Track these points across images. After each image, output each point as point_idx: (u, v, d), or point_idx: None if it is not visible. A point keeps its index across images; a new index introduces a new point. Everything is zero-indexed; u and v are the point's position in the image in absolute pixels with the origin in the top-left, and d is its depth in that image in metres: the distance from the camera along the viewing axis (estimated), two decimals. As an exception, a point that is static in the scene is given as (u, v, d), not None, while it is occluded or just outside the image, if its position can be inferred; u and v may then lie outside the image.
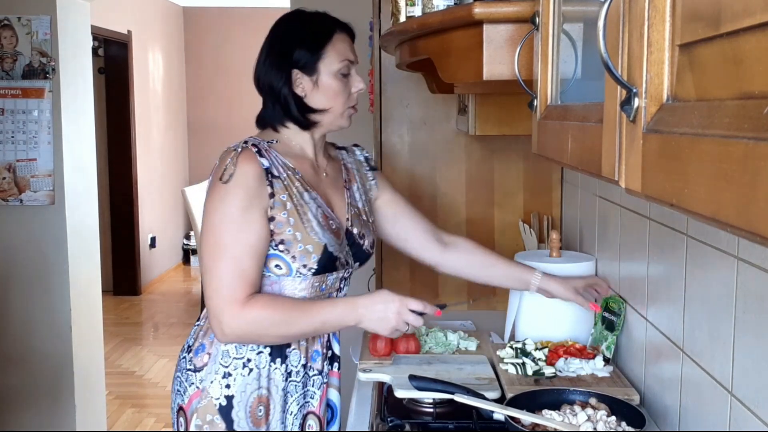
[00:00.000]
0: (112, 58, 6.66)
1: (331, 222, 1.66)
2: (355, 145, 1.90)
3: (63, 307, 3.59)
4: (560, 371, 1.76)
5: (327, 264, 1.63)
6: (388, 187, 1.89)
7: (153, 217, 7.29)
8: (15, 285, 3.57)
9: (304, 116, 1.66)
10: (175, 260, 8.05)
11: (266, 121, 1.71)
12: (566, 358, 1.79)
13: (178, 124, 8.25)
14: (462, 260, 1.91)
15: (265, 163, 1.58)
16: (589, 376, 1.73)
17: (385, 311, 1.58)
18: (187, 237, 8.16)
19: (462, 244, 1.93)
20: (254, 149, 1.59)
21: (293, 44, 1.63)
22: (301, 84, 1.64)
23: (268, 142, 1.65)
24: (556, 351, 1.84)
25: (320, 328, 1.62)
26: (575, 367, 1.76)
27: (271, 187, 1.58)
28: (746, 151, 0.45)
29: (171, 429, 1.77)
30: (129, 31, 6.63)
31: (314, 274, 1.62)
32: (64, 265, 3.57)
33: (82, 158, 3.76)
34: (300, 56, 1.62)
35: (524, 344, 1.88)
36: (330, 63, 1.63)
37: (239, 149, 1.57)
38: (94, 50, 6.07)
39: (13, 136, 3.49)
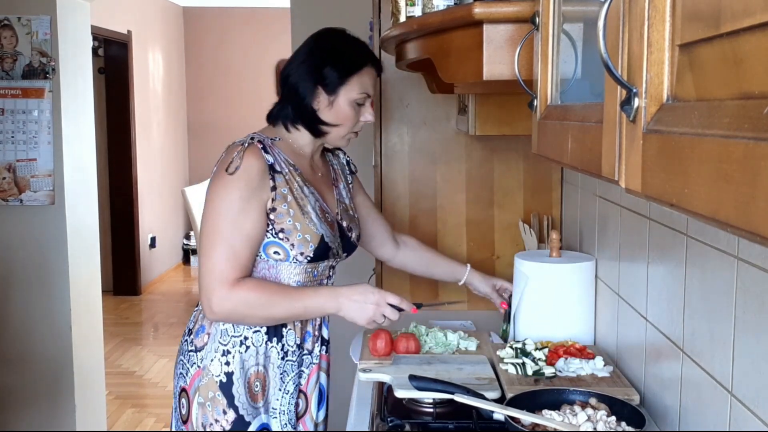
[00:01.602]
0: (112, 58, 6.66)
1: (327, 215, 1.80)
2: (339, 149, 2.01)
3: (63, 307, 3.59)
4: (560, 371, 1.76)
5: (322, 252, 1.76)
6: (360, 190, 2.06)
7: (153, 217, 7.29)
8: (15, 285, 3.57)
9: (315, 125, 1.78)
10: (175, 260, 8.06)
11: (279, 118, 1.81)
12: (566, 358, 1.79)
13: (178, 124, 8.25)
14: (410, 257, 2.16)
15: (270, 159, 1.70)
16: (589, 376, 1.73)
17: (364, 302, 1.70)
18: (187, 237, 8.16)
19: (411, 243, 2.17)
20: (260, 145, 1.70)
21: (326, 62, 1.74)
22: (318, 99, 1.75)
23: (271, 139, 1.76)
24: (556, 351, 1.84)
25: (302, 313, 1.73)
26: (575, 367, 1.76)
27: (273, 181, 1.69)
28: (746, 151, 0.45)
29: (171, 429, 1.79)
30: (129, 31, 6.63)
31: (309, 261, 1.74)
32: (64, 265, 3.57)
33: (82, 158, 3.76)
34: (328, 75, 1.74)
35: (524, 344, 1.88)
36: (350, 91, 1.75)
37: (246, 144, 1.69)
38: (94, 50, 6.07)
39: (13, 136, 3.50)
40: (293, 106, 1.77)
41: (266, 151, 1.70)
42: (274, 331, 1.75)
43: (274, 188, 1.69)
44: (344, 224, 1.86)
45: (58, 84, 3.50)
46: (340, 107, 1.76)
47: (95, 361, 3.92)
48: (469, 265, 2.17)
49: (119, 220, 6.80)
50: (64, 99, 3.54)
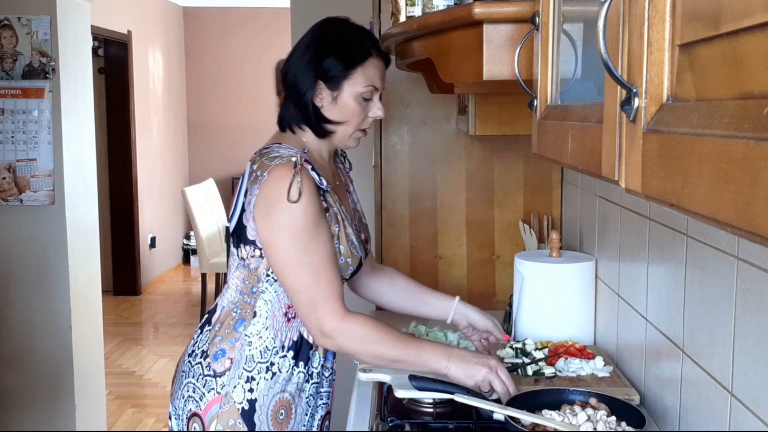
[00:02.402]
0: (112, 58, 6.66)
1: (359, 233, 1.73)
2: None
3: (63, 307, 3.59)
4: (560, 371, 1.75)
5: (355, 273, 1.71)
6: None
7: (153, 217, 7.30)
8: (15, 285, 3.57)
9: (319, 125, 1.66)
10: (175, 260, 8.06)
11: (285, 120, 1.70)
12: (566, 358, 1.79)
13: (178, 124, 8.25)
14: (386, 285, 1.94)
15: (323, 181, 1.60)
16: (589, 376, 1.73)
17: (477, 363, 1.57)
18: (187, 237, 8.16)
19: (390, 271, 1.97)
20: (308, 165, 1.58)
21: (326, 55, 1.62)
22: (321, 95, 1.64)
23: (303, 151, 1.63)
24: (556, 351, 1.84)
25: (413, 361, 1.61)
26: (575, 367, 1.76)
27: (325, 201, 1.61)
28: (746, 151, 0.45)
29: (171, 429, 1.76)
30: (129, 31, 6.63)
31: (341, 282, 1.67)
32: (64, 265, 3.57)
33: (82, 158, 3.76)
34: (328, 70, 1.62)
35: (524, 344, 1.88)
36: (354, 84, 1.63)
37: (297, 166, 1.55)
38: (94, 50, 6.07)
39: (13, 136, 3.50)
40: (294, 104, 1.66)
41: (314, 170, 1.59)
42: (302, 355, 1.67)
43: (327, 209, 1.61)
44: (363, 236, 1.78)
45: (58, 84, 3.50)
46: (346, 103, 1.63)
47: (95, 361, 3.92)
48: (458, 297, 1.92)
49: (119, 220, 6.80)
50: (64, 99, 3.53)
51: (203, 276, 5.99)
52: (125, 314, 6.38)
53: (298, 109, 1.66)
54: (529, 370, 1.75)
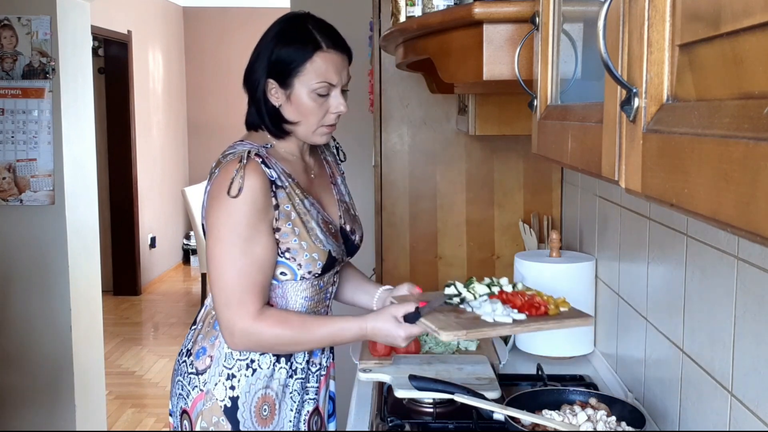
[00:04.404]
0: (112, 58, 6.66)
1: (330, 226, 1.68)
2: None
3: (63, 307, 3.59)
4: (471, 307, 1.52)
5: (329, 266, 1.65)
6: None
7: (153, 217, 7.30)
8: (15, 285, 3.57)
9: (275, 125, 1.63)
10: (175, 260, 8.06)
11: (250, 123, 1.68)
12: (489, 300, 1.52)
13: (178, 124, 8.25)
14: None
15: (272, 174, 1.56)
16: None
17: (393, 338, 1.55)
18: (187, 237, 8.16)
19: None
20: (258, 159, 1.55)
21: (274, 53, 1.60)
22: (276, 94, 1.61)
23: (264, 147, 1.61)
24: (507, 296, 1.55)
25: (330, 343, 1.65)
26: (479, 307, 1.50)
27: (276, 198, 1.56)
28: (746, 151, 0.45)
29: (171, 429, 1.77)
30: (129, 31, 6.63)
31: (316, 277, 1.64)
32: (64, 265, 3.57)
33: (82, 158, 3.76)
34: (277, 67, 1.59)
35: (492, 282, 1.61)
36: (306, 81, 1.58)
37: (244, 160, 1.52)
38: (94, 50, 6.07)
39: (13, 136, 3.49)
40: (250, 102, 1.64)
41: (266, 165, 1.55)
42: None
43: (276, 206, 1.56)
44: (347, 228, 1.75)
45: (58, 84, 3.50)
46: (300, 100, 1.58)
47: (95, 361, 3.92)
48: (382, 287, 1.83)
49: (119, 220, 6.80)
50: (64, 99, 3.54)
51: (203, 276, 5.99)
52: (125, 314, 6.38)
53: (254, 108, 1.64)
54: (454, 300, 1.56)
